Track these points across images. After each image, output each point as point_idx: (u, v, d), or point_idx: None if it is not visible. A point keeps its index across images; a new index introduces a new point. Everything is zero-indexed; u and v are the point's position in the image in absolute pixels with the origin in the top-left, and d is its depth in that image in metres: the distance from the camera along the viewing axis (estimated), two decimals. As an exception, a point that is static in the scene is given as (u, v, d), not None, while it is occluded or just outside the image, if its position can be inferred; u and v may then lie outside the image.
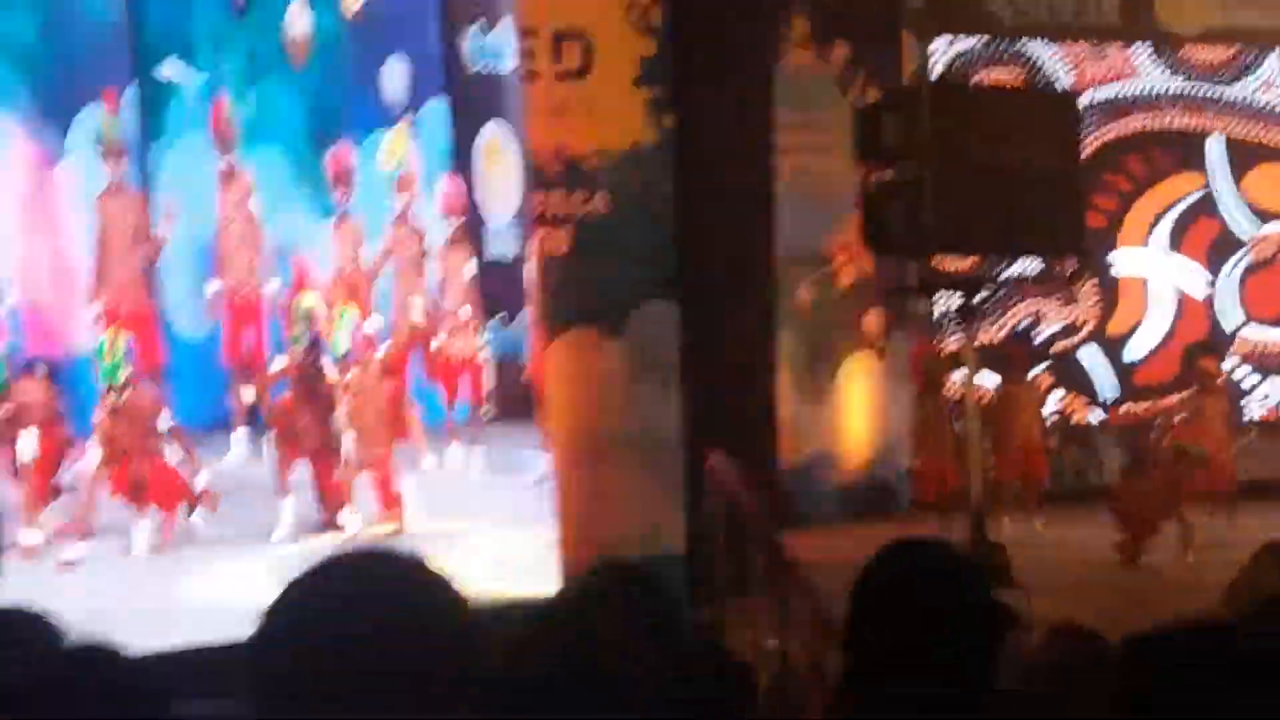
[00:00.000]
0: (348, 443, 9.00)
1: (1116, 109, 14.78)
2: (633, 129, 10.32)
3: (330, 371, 8.95)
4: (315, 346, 8.89)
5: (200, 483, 8.44)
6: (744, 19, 11.30)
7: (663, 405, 10.14)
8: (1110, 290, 14.78)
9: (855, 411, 13.50)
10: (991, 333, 14.07)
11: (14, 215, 8.41)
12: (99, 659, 3.06)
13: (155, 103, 8.91)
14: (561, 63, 10.10)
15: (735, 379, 11.16)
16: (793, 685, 8.72)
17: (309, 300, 8.95)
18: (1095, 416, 14.63)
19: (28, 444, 7.85)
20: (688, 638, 3.49)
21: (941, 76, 13.55)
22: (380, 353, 9.30)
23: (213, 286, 9.14)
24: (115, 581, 7.70)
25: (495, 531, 9.29)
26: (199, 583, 8.08)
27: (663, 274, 10.29)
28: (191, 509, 8.40)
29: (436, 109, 10.09)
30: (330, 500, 8.89)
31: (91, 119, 8.48)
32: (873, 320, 13.57)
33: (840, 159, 12.46)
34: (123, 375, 8.11)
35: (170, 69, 9.00)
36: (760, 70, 11.28)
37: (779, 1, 12.51)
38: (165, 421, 8.30)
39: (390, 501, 9.11)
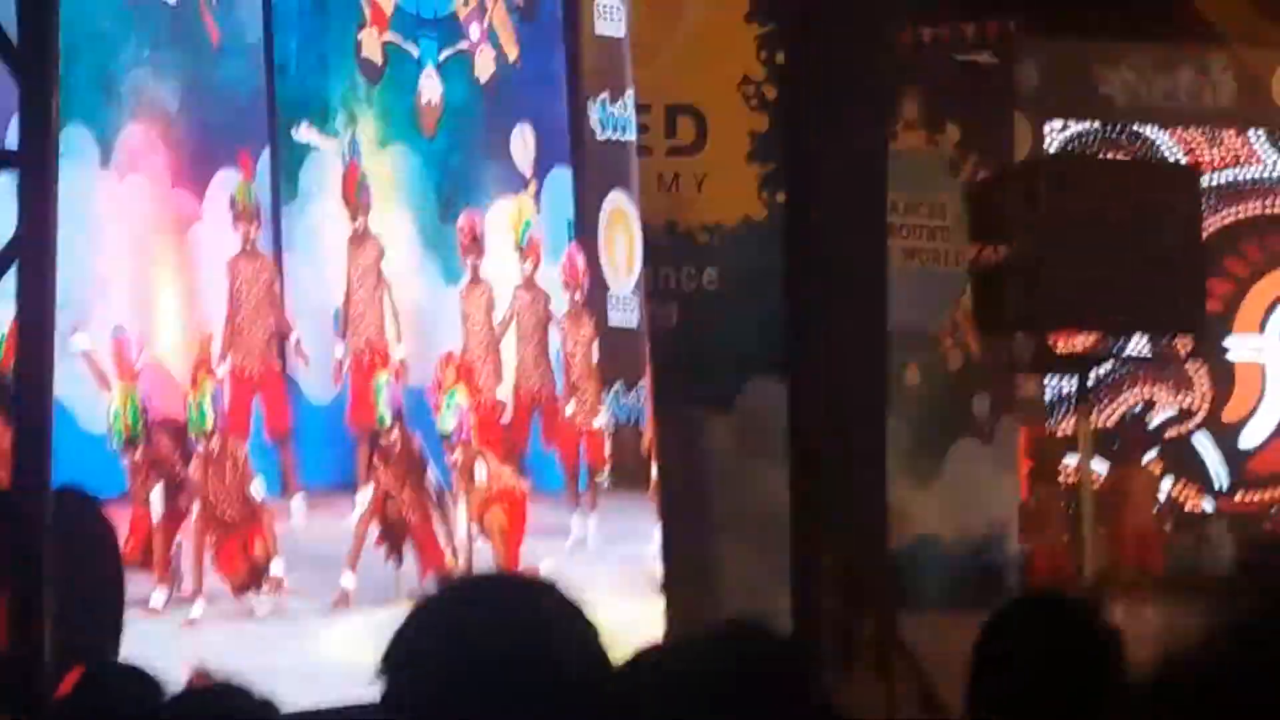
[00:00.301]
0: (458, 514, 8.99)
1: (1232, 194, 14.64)
2: (744, 204, 10.34)
3: (421, 448, 8.93)
4: (397, 424, 8.87)
5: (274, 566, 8.37)
6: (856, 99, 11.29)
7: (771, 482, 10.07)
8: (1225, 376, 14.57)
9: (962, 496, 13.35)
10: (1103, 417, 13.90)
11: (150, 277, 8.53)
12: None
13: (289, 166, 9.04)
14: (675, 137, 10.16)
15: (844, 458, 11.06)
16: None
17: (381, 380, 8.96)
18: (1209, 504, 14.39)
19: (157, 501, 7.93)
20: (812, 702, 3.44)
21: (1056, 153, 13.50)
22: (503, 418, 9.32)
23: (340, 350, 9.21)
24: (226, 643, 7.72)
25: (607, 600, 9.23)
26: (317, 644, 8.09)
27: (772, 351, 10.25)
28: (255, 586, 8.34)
29: (561, 176, 10.17)
30: (439, 569, 8.88)
31: (227, 182, 8.60)
32: (980, 404, 13.43)
33: (949, 241, 12.41)
34: (208, 423, 8.13)
35: (305, 133, 9.13)
36: (872, 150, 11.25)
37: (890, 83, 12.49)
38: (258, 490, 8.29)
39: (509, 564, 9.08)
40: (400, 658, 1.88)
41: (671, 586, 9.42)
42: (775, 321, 10.20)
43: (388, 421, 8.84)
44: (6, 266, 3.91)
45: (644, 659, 2.95)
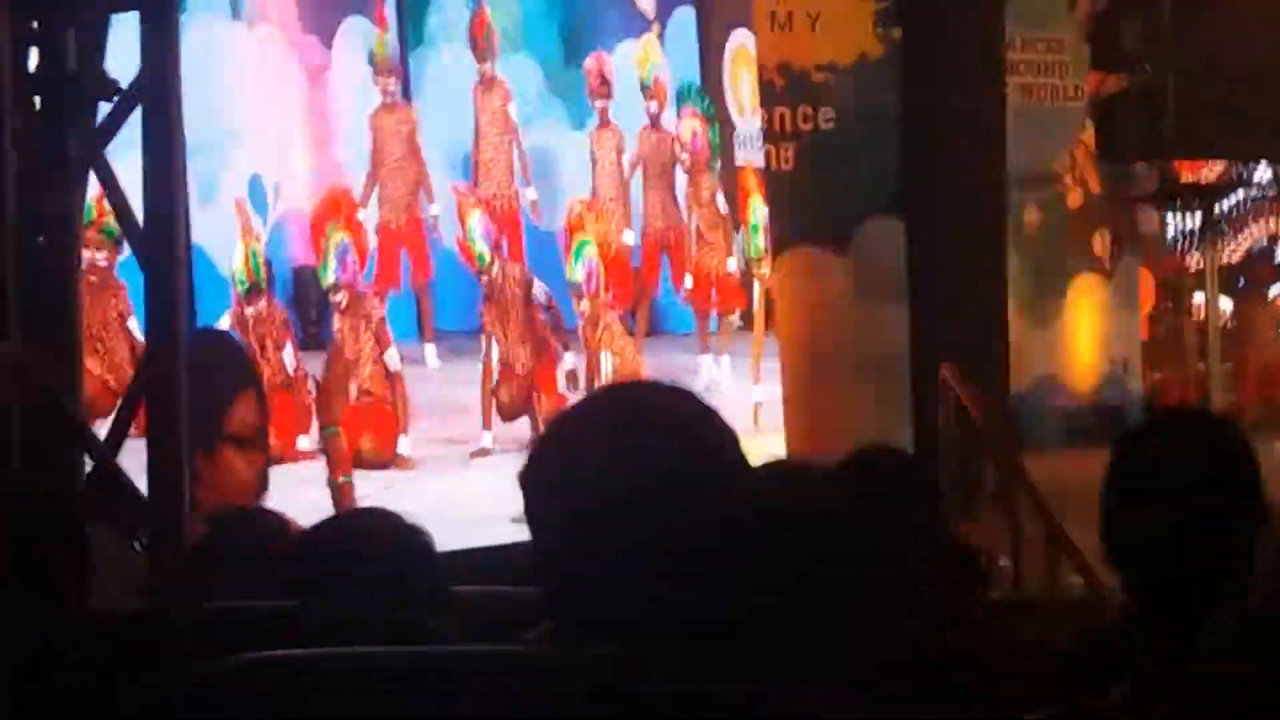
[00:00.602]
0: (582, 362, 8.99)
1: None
2: (859, 42, 10.17)
3: (526, 281, 8.93)
4: (497, 260, 8.87)
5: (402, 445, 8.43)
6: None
7: (890, 322, 10.00)
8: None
9: (1083, 335, 13.17)
10: (1228, 252, 13.65)
11: (284, 126, 8.60)
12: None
13: (415, 12, 9.03)
14: (789, -26, 9.99)
15: (963, 298, 10.94)
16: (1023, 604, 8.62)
17: (474, 218, 8.94)
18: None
19: (289, 357, 8.03)
20: (943, 530, 3.43)
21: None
22: (633, 261, 9.26)
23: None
24: (365, 489, 7.83)
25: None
26: (456, 491, 8.22)
27: (889, 190, 10.14)
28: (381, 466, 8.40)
29: (684, 16, 10.05)
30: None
31: (357, 31, 8.62)
32: (1100, 241, 13.21)
33: (1067, 77, 12.15)
34: (329, 280, 8.19)
35: (433, -23, 9.15)
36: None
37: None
38: (394, 359, 8.29)
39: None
40: (544, 457, 1.87)
41: (791, 427, 9.43)
42: (893, 161, 10.07)
43: (487, 258, 8.84)
44: (132, 107, 3.93)
45: (780, 468, 2.95)
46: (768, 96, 10.00)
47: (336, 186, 8.56)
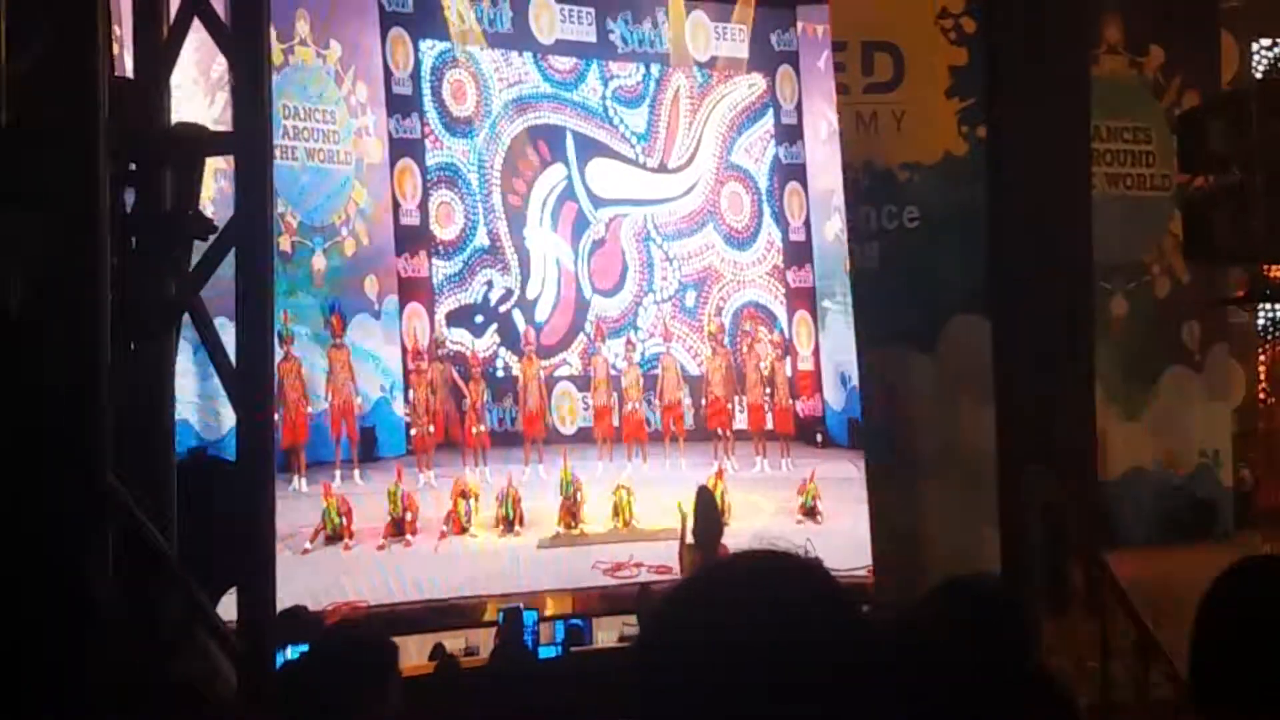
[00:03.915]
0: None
1: None
2: (944, 140, 10.19)
3: None
4: None
5: None
6: (1056, 26, 11.05)
7: (976, 420, 9.96)
8: None
9: (1173, 427, 13.07)
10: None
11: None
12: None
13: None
14: (872, 75, 10.04)
15: (1050, 393, 10.88)
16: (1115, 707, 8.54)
17: None
18: None
19: None
20: (1029, 665, 3.39)
21: (1266, 78, 13.03)
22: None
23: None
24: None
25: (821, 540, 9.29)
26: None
27: (975, 287, 10.12)
28: None
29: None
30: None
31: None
32: (1190, 332, 13.12)
33: (1155, 166, 12.09)
34: None
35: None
36: (1074, 77, 11.01)
37: (1092, 7, 12.18)
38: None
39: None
40: (661, 639, 1.82)
41: (878, 526, 9.39)
42: (977, 257, 10.06)
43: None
44: (228, 248, 4.02)
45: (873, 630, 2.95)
46: (851, 194, 10.02)
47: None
